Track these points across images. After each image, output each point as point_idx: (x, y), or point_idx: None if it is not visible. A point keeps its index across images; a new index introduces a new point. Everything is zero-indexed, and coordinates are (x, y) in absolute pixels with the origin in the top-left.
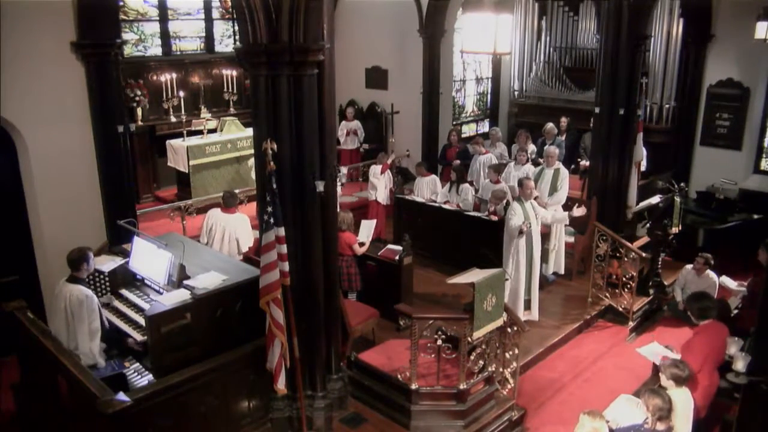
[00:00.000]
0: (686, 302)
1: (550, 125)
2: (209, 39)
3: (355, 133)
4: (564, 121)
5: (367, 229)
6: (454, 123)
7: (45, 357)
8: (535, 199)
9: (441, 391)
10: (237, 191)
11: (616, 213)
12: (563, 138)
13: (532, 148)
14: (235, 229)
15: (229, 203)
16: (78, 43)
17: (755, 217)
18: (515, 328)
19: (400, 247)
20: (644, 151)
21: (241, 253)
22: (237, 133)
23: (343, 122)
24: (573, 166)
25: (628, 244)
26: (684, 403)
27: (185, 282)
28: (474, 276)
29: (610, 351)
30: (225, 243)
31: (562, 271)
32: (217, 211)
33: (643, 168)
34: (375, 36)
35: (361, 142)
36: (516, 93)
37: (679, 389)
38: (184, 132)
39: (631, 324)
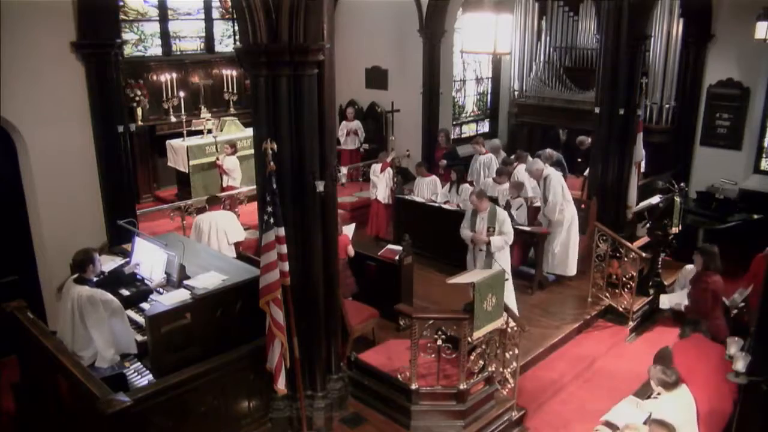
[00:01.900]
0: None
1: (548, 151)
2: (209, 39)
3: (356, 133)
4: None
5: (349, 231)
6: (454, 123)
7: (45, 357)
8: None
9: (441, 391)
10: (236, 191)
11: (616, 213)
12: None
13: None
14: (222, 223)
15: (212, 202)
16: (78, 43)
17: (755, 217)
18: (515, 328)
19: (400, 247)
20: (643, 153)
21: (230, 244)
22: (237, 133)
23: (344, 122)
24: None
25: (628, 244)
26: (685, 405)
27: (185, 282)
28: (474, 276)
29: (610, 351)
30: (214, 239)
31: (573, 272)
32: (203, 213)
33: (642, 170)
34: (375, 36)
35: (362, 142)
36: (516, 93)
37: (675, 391)
38: (184, 132)
39: (631, 324)
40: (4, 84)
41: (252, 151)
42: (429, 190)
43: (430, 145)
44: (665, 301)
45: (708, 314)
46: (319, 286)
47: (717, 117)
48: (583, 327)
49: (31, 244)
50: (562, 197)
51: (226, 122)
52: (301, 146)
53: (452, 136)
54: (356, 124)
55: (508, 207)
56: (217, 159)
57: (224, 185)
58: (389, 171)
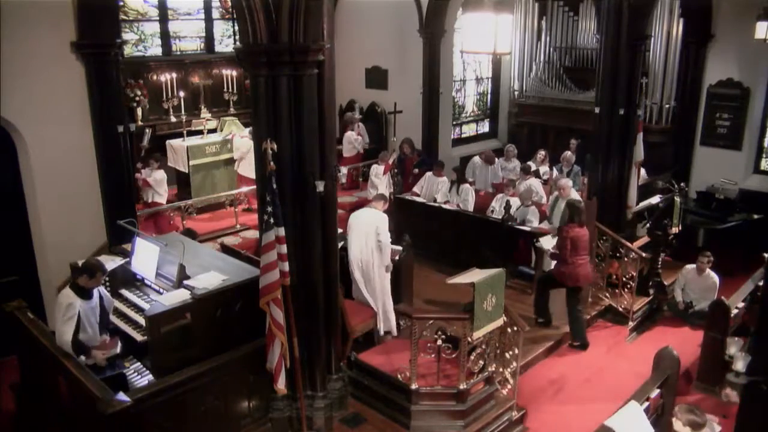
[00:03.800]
0: None
1: (568, 154)
2: (209, 39)
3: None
4: (573, 143)
5: None
6: (454, 123)
7: (45, 357)
8: None
9: (441, 391)
10: (235, 192)
11: (616, 213)
12: (575, 164)
13: (545, 169)
14: None
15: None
16: (78, 43)
17: (755, 217)
18: (515, 328)
19: (400, 247)
20: (643, 173)
21: None
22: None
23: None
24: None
25: (628, 244)
26: None
27: (185, 282)
28: (474, 276)
29: (610, 351)
30: None
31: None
32: None
33: (642, 180)
34: (375, 36)
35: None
36: (516, 93)
37: None
38: (184, 132)
39: (631, 324)
40: (4, 84)
41: (214, 158)
42: (437, 189)
43: (431, 145)
44: (546, 244)
45: (566, 259)
46: (319, 286)
47: (717, 117)
48: None
49: (31, 244)
50: None
51: (226, 122)
52: (301, 146)
53: (452, 136)
54: (360, 126)
55: (508, 208)
56: (139, 172)
57: (148, 201)
58: (389, 173)
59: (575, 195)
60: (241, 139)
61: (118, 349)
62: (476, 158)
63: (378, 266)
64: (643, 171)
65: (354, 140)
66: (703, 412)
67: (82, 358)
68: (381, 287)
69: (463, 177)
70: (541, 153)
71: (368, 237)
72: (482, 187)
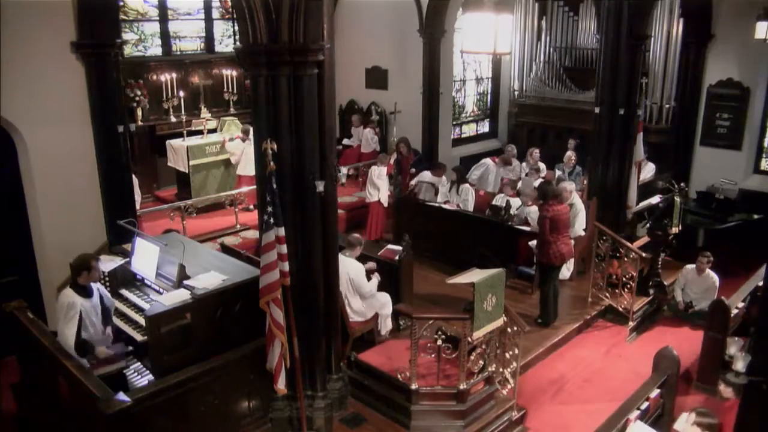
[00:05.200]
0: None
1: (568, 154)
2: (209, 39)
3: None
4: (572, 143)
5: None
6: (454, 123)
7: (45, 357)
8: None
9: (441, 391)
10: (235, 192)
11: (616, 213)
12: (577, 166)
13: (542, 166)
14: None
15: None
16: (78, 43)
17: (755, 217)
18: (515, 328)
19: (400, 247)
20: (652, 167)
21: None
22: (237, 133)
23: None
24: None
25: (628, 244)
26: None
27: (185, 282)
28: (474, 276)
29: (610, 351)
30: None
31: (566, 276)
32: None
33: (647, 176)
34: (375, 36)
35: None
36: (516, 93)
37: None
38: (184, 132)
39: (631, 324)
40: (4, 84)
41: (214, 158)
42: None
43: (431, 145)
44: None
45: (547, 239)
46: (319, 286)
47: (717, 117)
48: (583, 327)
49: (31, 244)
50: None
51: (226, 122)
52: (301, 146)
53: (452, 136)
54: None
55: (508, 208)
56: None
57: None
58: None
59: (577, 199)
60: (232, 143)
61: (124, 363)
62: (489, 162)
63: (359, 306)
64: (652, 166)
65: (370, 138)
66: (711, 411)
67: (86, 362)
68: (367, 309)
69: (463, 177)
70: (536, 152)
71: (348, 283)
72: (491, 189)
